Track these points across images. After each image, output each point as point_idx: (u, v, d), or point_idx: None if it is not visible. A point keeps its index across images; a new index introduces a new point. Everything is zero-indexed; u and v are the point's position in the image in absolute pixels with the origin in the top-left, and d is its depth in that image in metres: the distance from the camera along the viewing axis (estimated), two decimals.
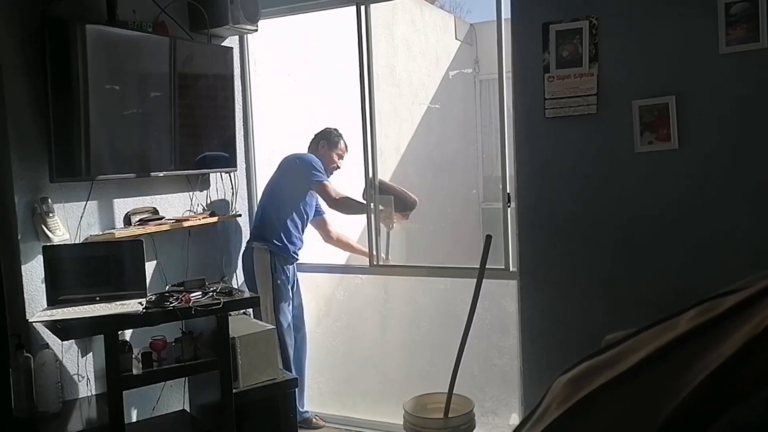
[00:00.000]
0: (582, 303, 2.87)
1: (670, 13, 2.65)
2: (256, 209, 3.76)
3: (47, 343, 2.66)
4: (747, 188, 2.58)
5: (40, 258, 2.73)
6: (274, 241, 3.55)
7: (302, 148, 3.77)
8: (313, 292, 3.91)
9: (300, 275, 3.90)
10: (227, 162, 3.55)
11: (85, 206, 2.94)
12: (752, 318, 0.33)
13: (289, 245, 3.58)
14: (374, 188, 3.57)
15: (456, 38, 6.81)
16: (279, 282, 3.53)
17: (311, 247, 3.82)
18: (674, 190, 2.69)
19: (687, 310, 0.37)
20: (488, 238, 2.97)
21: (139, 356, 2.76)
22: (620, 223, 2.79)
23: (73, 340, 2.82)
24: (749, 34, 2.51)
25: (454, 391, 2.99)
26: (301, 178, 3.61)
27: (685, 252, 2.68)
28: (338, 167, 3.76)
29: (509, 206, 3.12)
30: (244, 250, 3.64)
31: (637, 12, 2.70)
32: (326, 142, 3.73)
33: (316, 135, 3.79)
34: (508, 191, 3.12)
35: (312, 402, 3.73)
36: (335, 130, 3.78)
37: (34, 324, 2.69)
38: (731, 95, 2.58)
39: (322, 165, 3.65)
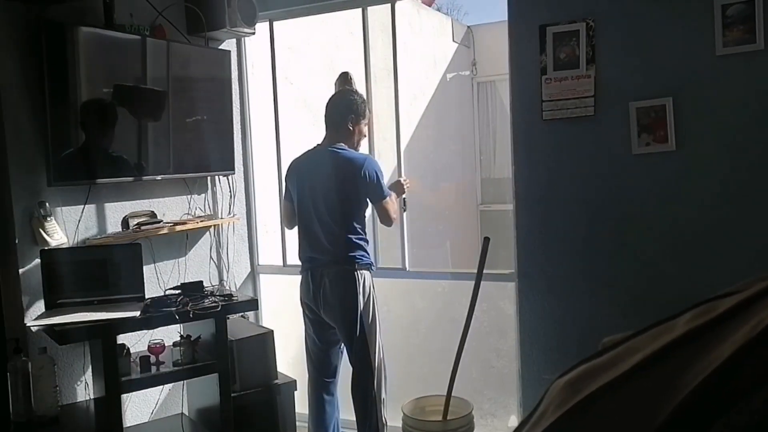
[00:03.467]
0: (580, 305, 2.87)
1: (667, 14, 2.65)
2: (315, 226, 2.98)
3: (45, 347, 2.66)
4: (744, 189, 2.58)
5: (37, 262, 2.73)
6: (366, 259, 2.98)
7: (300, 150, 3.73)
8: None
9: (297, 278, 3.87)
10: (225, 165, 3.55)
11: (83, 210, 2.94)
12: (750, 320, 0.33)
13: (371, 258, 3.06)
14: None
15: (453, 41, 6.82)
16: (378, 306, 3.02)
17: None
18: (671, 192, 2.69)
19: (684, 313, 0.37)
20: (486, 240, 2.96)
21: (138, 360, 2.76)
22: (617, 224, 2.79)
23: (71, 344, 2.82)
24: (746, 36, 2.51)
25: (452, 394, 2.99)
26: (370, 190, 2.95)
27: (683, 253, 2.69)
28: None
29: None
30: (335, 274, 2.93)
31: (634, 14, 2.71)
32: (354, 115, 3.02)
33: (337, 107, 3.03)
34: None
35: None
36: (351, 92, 3.07)
37: (32, 328, 2.68)
38: (728, 97, 2.58)
39: (354, 143, 3.05)
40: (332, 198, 2.95)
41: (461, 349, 2.96)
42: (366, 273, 2.95)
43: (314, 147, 3.09)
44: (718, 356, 0.32)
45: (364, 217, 3.02)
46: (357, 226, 2.95)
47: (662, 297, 2.66)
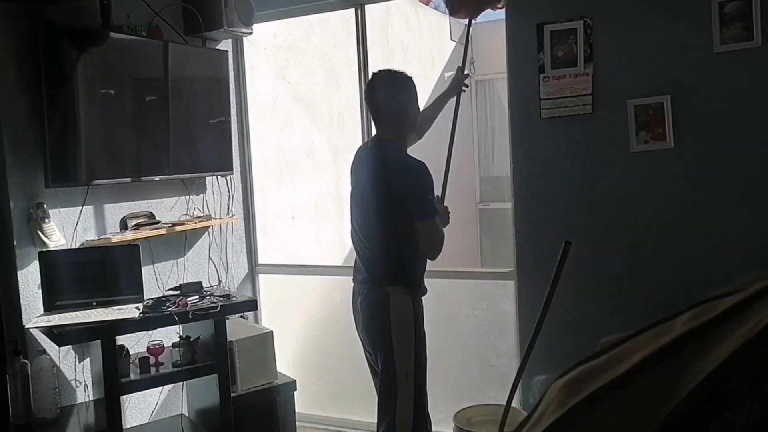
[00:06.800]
0: (579, 303, 2.87)
1: (665, 12, 2.65)
2: (361, 237, 2.57)
3: (44, 349, 2.66)
4: (742, 187, 2.59)
5: (36, 264, 2.73)
6: (410, 280, 2.48)
7: (302, 148, 3.73)
8: (310, 295, 3.90)
9: (296, 278, 3.87)
10: (223, 165, 3.54)
11: (81, 211, 2.94)
12: (748, 321, 0.33)
13: (423, 278, 2.58)
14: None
15: (451, 39, 6.81)
16: (423, 333, 2.51)
17: (307, 248, 3.80)
18: (670, 189, 2.69)
19: (682, 313, 0.37)
20: (566, 244, 2.44)
21: (137, 361, 2.76)
22: (616, 222, 2.79)
23: (70, 346, 2.82)
24: (743, 33, 2.51)
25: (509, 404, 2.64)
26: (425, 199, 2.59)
27: (682, 251, 2.69)
28: None
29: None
30: (366, 295, 2.51)
31: (632, 11, 2.70)
32: None
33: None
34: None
35: (310, 404, 3.73)
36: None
37: (31, 330, 2.68)
38: (726, 94, 2.58)
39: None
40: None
41: (527, 357, 2.54)
42: (397, 290, 2.45)
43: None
44: (717, 357, 0.32)
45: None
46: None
47: (661, 295, 2.66)
